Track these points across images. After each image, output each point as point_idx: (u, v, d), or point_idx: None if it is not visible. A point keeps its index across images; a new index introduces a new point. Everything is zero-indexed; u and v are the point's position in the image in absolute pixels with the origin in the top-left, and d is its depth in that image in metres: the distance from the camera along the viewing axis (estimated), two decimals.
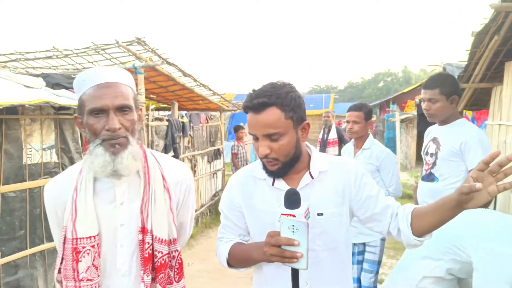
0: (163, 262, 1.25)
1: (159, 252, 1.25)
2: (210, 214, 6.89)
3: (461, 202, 1.10)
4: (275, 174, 1.28)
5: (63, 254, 1.20)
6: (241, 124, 8.03)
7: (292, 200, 1.10)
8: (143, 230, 1.24)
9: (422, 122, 5.58)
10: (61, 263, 1.21)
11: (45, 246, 3.05)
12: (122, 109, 1.18)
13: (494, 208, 3.26)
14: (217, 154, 7.76)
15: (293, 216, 1.07)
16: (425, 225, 1.22)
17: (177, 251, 1.31)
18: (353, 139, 3.05)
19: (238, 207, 1.38)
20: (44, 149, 3.06)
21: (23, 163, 2.91)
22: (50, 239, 3.07)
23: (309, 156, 1.35)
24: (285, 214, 1.08)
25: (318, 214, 1.27)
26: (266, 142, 1.21)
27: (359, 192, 1.32)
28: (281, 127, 1.20)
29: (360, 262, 2.94)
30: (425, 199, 2.46)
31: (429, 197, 2.42)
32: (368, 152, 2.90)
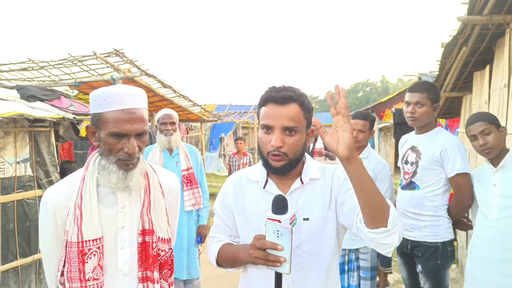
0: (166, 259, 1.40)
1: (162, 250, 1.38)
2: None
3: (338, 154, 1.11)
4: (278, 171, 1.29)
5: (66, 258, 1.25)
6: (221, 136, 7.98)
7: (279, 206, 1.13)
8: (144, 232, 1.34)
9: (398, 131, 5.70)
10: (64, 266, 1.25)
11: (19, 262, 2.96)
12: (140, 134, 1.28)
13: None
14: None
15: (279, 221, 1.11)
16: (362, 208, 1.16)
17: (171, 249, 1.43)
18: None
19: (229, 207, 1.42)
20: (18, 163, 2.99)
21: None
22: (24, 255, 2.98)
23: (303, 163, 1.38)
24: (271, 219, 1.12)
25: (304, 219, 1.30)
26: (282, 135, 1.25)
27: (342, 187, 1.33)
28: (299, 123, 1.26)
29: (358, 269, 2.87)
30: (406, 208, 2.47)
31: (410, 205, 2.44)
32: (364, 162, 2.78)
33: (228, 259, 1.37)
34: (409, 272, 2.59)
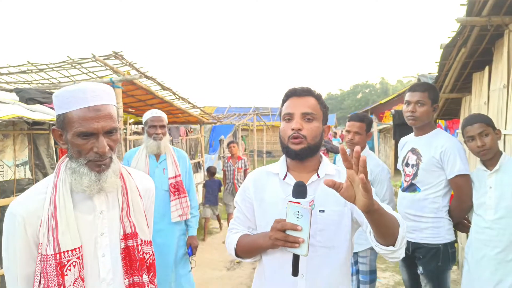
0: (151, 262, 1.36)
1: (146, 253, 1.35)
2: None
3: (357, 207, 1.15)
4: (297, 154, 1.40)
5: (41, 273, 1.15)
6: (221, 138, 7.95)
7: (299, 191, 1.23)
8: (126, 237, 1.29)
9: (398, 132, 5.71)
10: (40, 283, 1.15)
11: None
12: (110, 132, 1.21)
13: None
14: (197, 167, 7.71)
15: (299, 203, 1.20)
16: (374, 232, 1.25)
17: (153, 252, 1.40)
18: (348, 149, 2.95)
19: (249, 199, 1.51)
20: (17, 165, 2.99)
21: None
22: None
23: (320, 162, 1.49)
24: (292, 201, 1.22)
25: (320, 211, 1.37)
26: (301, 121, 1.41)
27: None
28: (316, 111, 1.43)
29: (357, 273, 2.89)
30: (407, 210, 2.47)
31: (411, 207, 2.44)
32: None
33: (247, 247, 1.45)
34: (410, 273, 2.59)
